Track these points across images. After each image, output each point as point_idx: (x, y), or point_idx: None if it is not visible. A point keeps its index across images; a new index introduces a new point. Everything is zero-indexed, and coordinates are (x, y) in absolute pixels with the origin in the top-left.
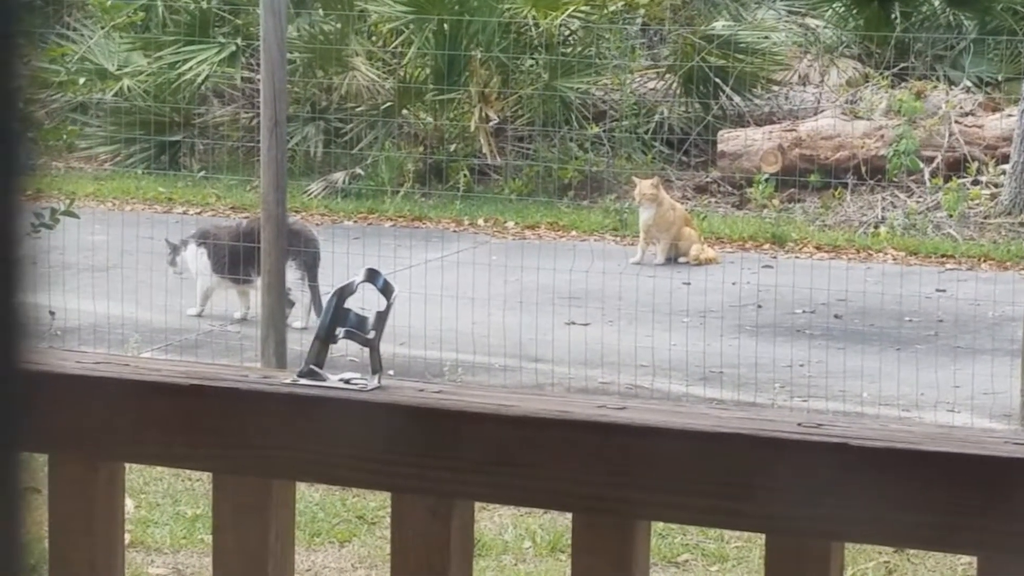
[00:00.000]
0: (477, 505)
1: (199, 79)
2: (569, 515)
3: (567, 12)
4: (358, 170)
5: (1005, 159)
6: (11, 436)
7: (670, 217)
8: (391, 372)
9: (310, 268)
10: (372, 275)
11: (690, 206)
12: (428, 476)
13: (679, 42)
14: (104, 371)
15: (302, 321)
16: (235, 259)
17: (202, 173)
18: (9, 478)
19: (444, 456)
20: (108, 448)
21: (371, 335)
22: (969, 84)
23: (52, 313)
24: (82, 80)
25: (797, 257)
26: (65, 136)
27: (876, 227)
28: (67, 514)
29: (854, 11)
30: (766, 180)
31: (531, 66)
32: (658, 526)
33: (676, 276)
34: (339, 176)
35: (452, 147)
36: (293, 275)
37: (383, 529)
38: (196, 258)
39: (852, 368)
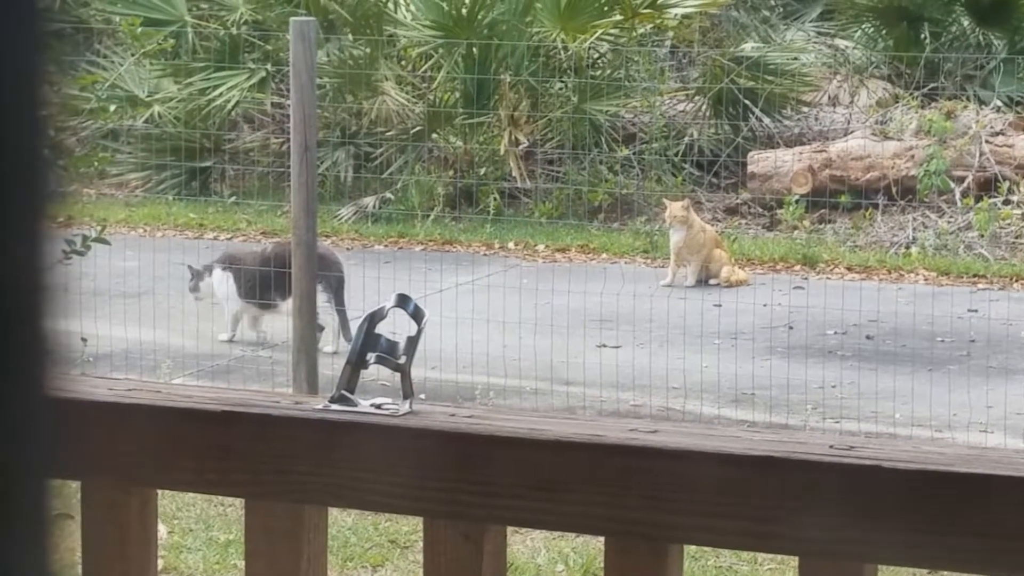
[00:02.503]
0: (509, 529)
1: (229, 105)
2: (602, 538)
3: (596, 35)
4: (388, 194)
5: None
6: (40, 463)
7: (701, 239)
8: (422, 396)
9: (336, 292)
10: (403, 300)
11: (720, 228)
12: (460, 501)
13: (708, 64)
14: (136, 398)
15: (332, 345)
16: (261, 283)
17: (233, 199)
18: (39, 505)
19: (476, 481)
20: (141, 474)
21: (402, 360)
22: (999, 103)
23: (84, 340)
24: (113, 107)
25: (828, 278)
26: (96, 163)
27: (907, 247)
28: (100, 540)
29: (883, 32)
30: (796, 201)
31: (560, 89)
32: (691, 549)
33: (707, 298)
34: (369, 200)
35: (482, 171)
36: (320, 299)
37: (416, 553)
38: (223, 283)
39: (884, 389)
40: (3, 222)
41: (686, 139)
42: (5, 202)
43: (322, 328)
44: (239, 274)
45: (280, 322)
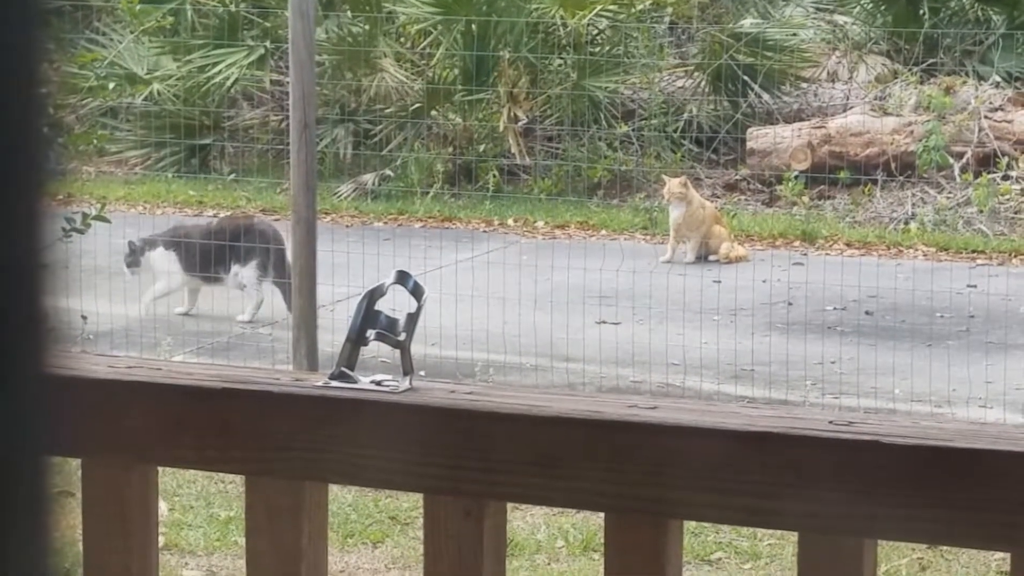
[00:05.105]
0: (509, 505)
1: (228, 82)
2: (601, 514)
3: (595, 11)
4: (388, 171)
5: None
6: (39, 441)
7: (700, 215)
8: (422, 373)
9: (277, 265)
10: (402, 277)
11: (720, 204)
12: (460, 477)
13: (707, 40)
14: (136, 375)
15: (248, 315)
16: (204, 258)
17: (232, 176)
18: (38, 483)
19: (476, 457)
20: (141, 452)
21: (402, 337)
22: (998, 79)
23: (84, 317)
24: (112, 85)
25: (827, 254)
26: (95, 140)
27: (906, 223)
28: (101, 517)
29: (882, 7)
30: (796, 177)
31: (559, 66)
32: (691, 524)
33: (706, 274)
34: (369, 177)
35: (481, 147)
36: (254, 273)
37: (416, 530)
38: (167, 258)
39: (883, 365)
40: (3, 200)
41: (685, 115)
42: (5, 180)
43: (260, 301)
44: (184, 248)
45: (225, 295)
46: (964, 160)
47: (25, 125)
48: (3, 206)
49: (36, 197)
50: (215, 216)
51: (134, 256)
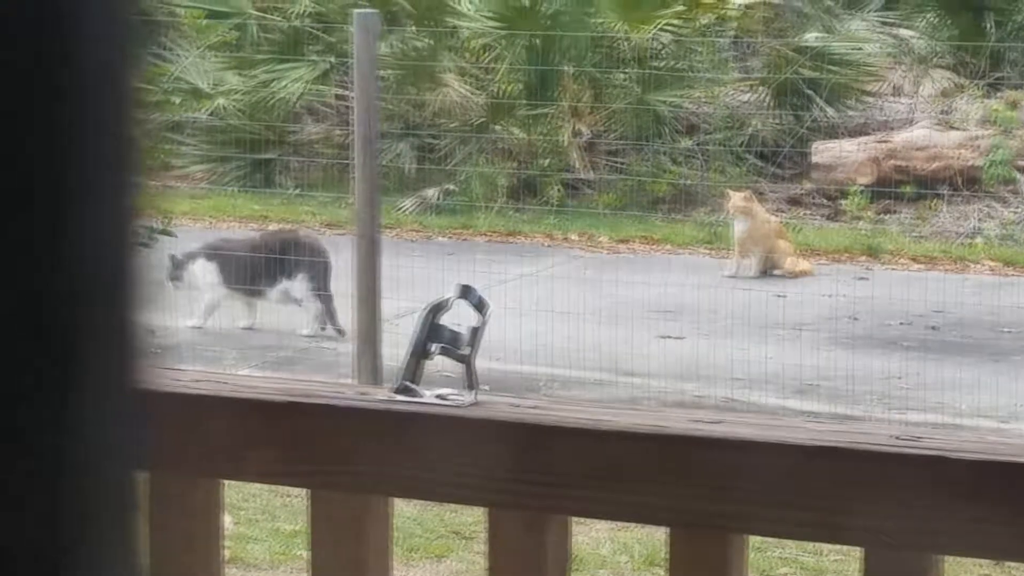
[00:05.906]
0: (573, 520)
1: (292, 97)
2: (665, 529)
3: (658, 26)
4: (451, 186)
5: None
6: (129, 457)
7: (764, 229)
8: (486, 387)
9: (322, 278)
10: (466, 291)
11: (783, 218)
12: (524, 491)
13: (771, 54)
14: (202, 389)
15: (309, 328)
16: (250, 271)
17: (296, 190)
18: (124, 498)
19: (539, 471)
20: (206, 465)
21: (466, 351)
22: None
23: (152, 331)
24: (177, 99)
25: (892, 269)
26: (161, 155)
27: (972, 238)
28: (166, 531)
29: (947, 21)
30: (860, 192)
31: (623, 80)
32: (755, 540)
33: (770, 289)
34: (432, 192)
35: (544, 162)
36: (305, 286)
37: (479, 544)
38: (207, 271)
39: (949, 380)
40: (94, 212)
41: (749, 130)
42: (95, 194)
43: (321, 312)
44: (225, 261)
45: (287, 308)
46: None
47: (116, 136)
48: (95, 218)
49: (124, 209)
50: (279, 231)
51: (176, 270)
